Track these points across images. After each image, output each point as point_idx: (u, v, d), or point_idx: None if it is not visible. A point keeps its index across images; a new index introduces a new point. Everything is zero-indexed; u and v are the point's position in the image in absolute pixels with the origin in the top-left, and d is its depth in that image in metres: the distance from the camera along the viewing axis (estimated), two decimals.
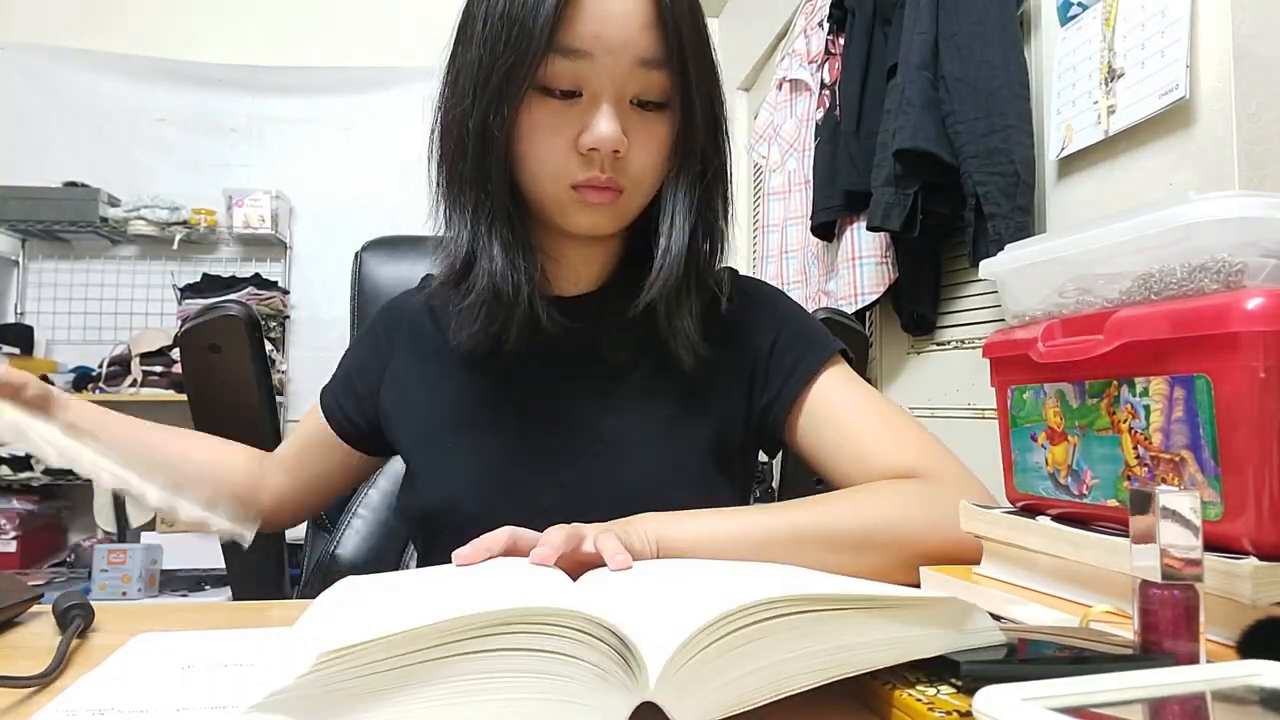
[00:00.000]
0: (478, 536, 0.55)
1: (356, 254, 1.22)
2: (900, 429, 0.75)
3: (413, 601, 0.44)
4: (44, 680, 0.42)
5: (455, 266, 0.73)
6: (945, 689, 0.38)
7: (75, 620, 0.51)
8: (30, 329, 3.48)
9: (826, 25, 2.37)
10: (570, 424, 0.75)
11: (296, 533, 1.03)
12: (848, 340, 0.82)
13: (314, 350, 3.57)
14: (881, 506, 0.67)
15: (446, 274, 0.74)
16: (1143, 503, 0.42)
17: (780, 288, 1.75)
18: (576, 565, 0.53)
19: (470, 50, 0.69)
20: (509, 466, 0.74)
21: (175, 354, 3.19)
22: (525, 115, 0.68)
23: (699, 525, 0.62)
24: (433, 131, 0.74)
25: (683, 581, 0.48)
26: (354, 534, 1.15)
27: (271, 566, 1.08)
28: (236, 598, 1.11)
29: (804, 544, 0.62)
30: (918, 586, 0.61)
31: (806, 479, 0.93)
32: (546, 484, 0.73)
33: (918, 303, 2.07)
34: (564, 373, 0.77)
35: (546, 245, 0.76)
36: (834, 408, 0.76)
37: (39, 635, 0.54)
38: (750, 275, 0.85)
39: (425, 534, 0.79)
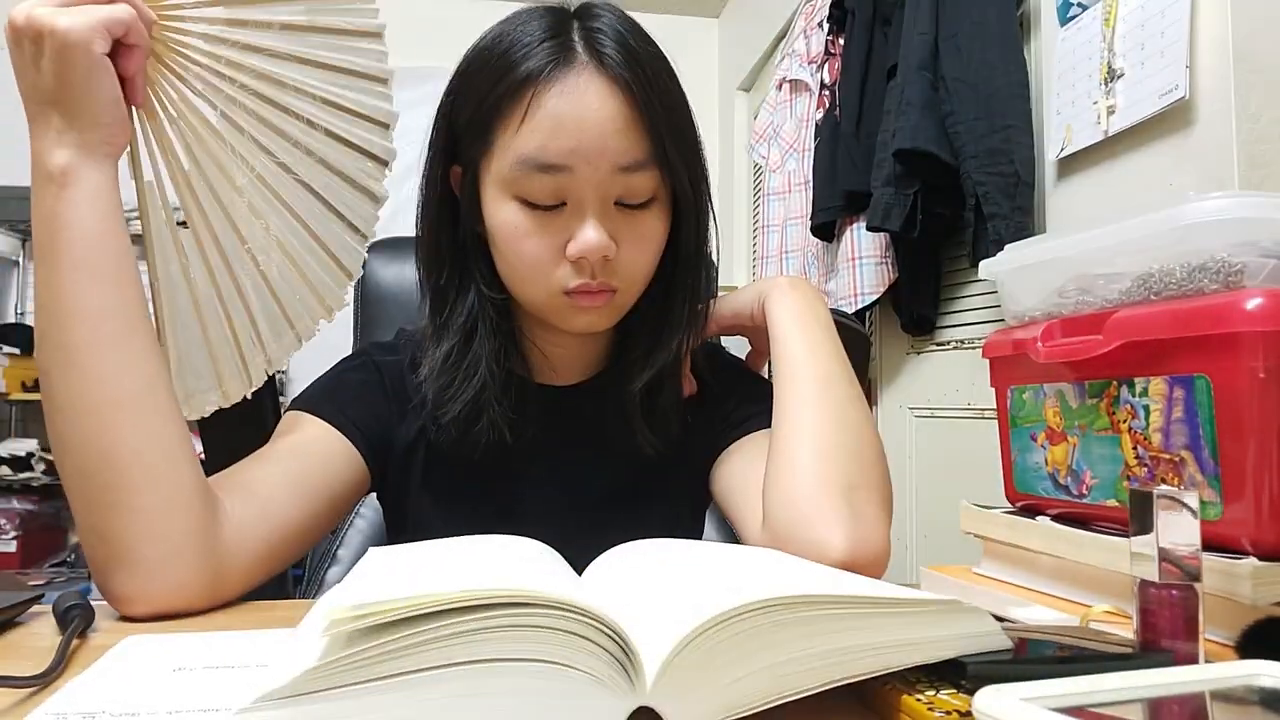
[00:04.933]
0: None
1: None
2: None
3: (420, 573, 0.45)
4: (44, 680, 0.42)
5: (440, 350, 0.73)
6: (945, 689, 0.38)
7: (75, 620, 0.51)
8: (31, 329, 3.48)
9: (826, 26, 2.37)
10: (567, 512, 0.76)
11: None
12: (849, 340, 0.82)
13: (314, 350, 3.55)
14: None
15: (433, 357, 0.73)
16: (1142, 503, 0.42)
17: None
18: None
19: (443, 158, 0.72)
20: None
21: None
22: (505, 222, 0.68)
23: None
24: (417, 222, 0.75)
25: (683, 576, 0.48)
26: (357, 534, 1.14)
27: None
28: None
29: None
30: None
31: None
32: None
33: (918, 303, 2.07)
34: (556, 463, 0.78)
35: (536, 337, 0.77)
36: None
37: (39, 635, 0.53)
38: (723, 351, 0.86)
39: None
